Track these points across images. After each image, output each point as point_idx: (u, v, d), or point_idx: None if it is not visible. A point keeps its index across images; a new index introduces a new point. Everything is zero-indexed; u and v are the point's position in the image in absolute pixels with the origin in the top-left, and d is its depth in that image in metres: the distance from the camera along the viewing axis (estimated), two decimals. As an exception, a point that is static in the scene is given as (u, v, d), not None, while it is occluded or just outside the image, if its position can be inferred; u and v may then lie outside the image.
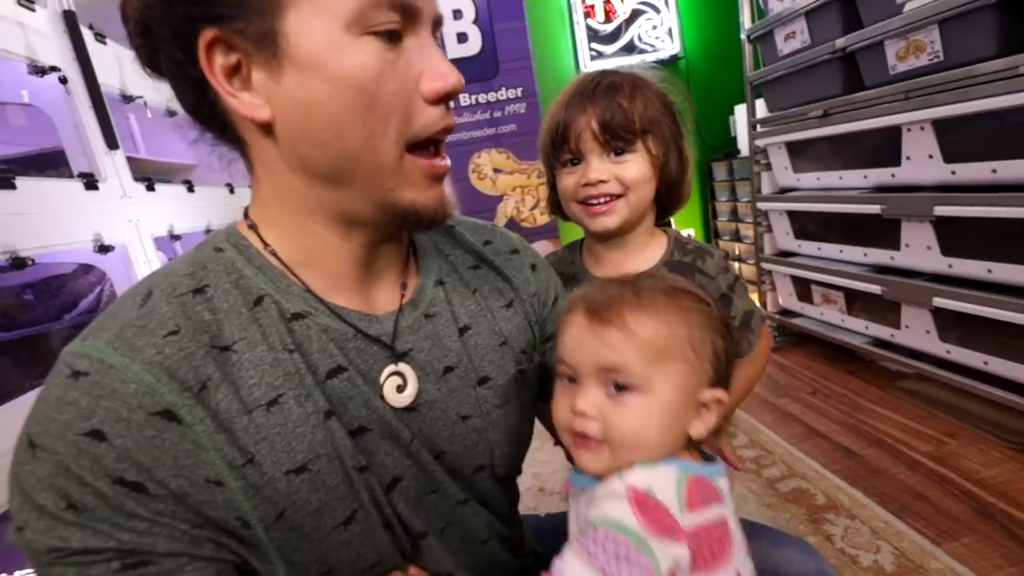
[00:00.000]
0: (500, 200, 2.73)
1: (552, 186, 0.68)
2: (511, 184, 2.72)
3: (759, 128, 2.11)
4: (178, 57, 0.36)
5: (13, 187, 1.03)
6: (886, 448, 1.44)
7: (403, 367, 0.43)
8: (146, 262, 1.48)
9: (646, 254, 0.66)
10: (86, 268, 1.56)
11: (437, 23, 0.39)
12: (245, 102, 0.36)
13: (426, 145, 0.39)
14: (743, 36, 2.07)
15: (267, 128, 0.37)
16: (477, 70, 2.58)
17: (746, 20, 2.06)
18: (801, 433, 1.58)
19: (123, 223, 1.40)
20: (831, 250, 1.88)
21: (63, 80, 1.24)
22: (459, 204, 2.76)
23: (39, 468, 0.32)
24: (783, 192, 2.07)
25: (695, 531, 0.36)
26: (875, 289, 1.65)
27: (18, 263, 1.02)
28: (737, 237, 2.91)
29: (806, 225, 2.00)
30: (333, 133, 0.36)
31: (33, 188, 1.08)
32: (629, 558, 0.34)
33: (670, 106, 0.64)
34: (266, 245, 0.41)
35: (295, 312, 0.40)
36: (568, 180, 0.64)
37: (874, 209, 1.59)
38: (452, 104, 0.40)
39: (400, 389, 0.43)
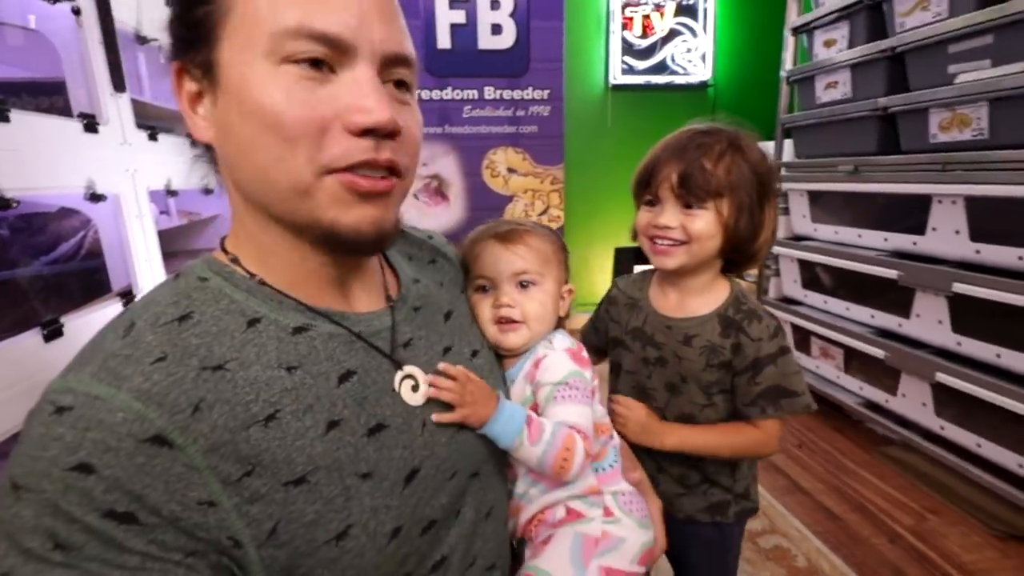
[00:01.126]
0: (510, 200, 2.67)
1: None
2: (523, 186, 2.66)
3: (783, 172, 2.08)
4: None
5: (7, 120, 0.94)
6: (868, 515, 1.44)
7: (410, 369, 0.46)
8: (138, 215, 1.39)
9: (702, 300, 0.71)
10: (69, 211, 1.46)
11: (395, 61, 0.40)
12: (197, 124, 0.40)
13: (355, 168, 0.38)
14: (783, 75, 2.04)
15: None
16: (506, 65, 2.51)
17: (788, 60, 2.03)
18: (785, 487, 1.57)
19: (119, 172, 1.30)
20: (837, 305, 1.87)
21: (76, 11, 1.14)
22: (468, 199, 2.71)
23: (24, 510, 0.31)
24: (797, 239, 2.05)
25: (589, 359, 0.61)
26: (878, 352, 1.64)
27: (1, 204, 0.93)
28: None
29: (815, 276, 1.99)
30: (245, 155, 0.38)
31: (27, 123, 0.99)
32: (585, 387, 0.57)
33: (762, 175, 0.67)
34: (252, 275, 0.42)
35: (297, 326, 0.41)
36: (644, 217, 0.71)
37: (891, 274, 1.58)
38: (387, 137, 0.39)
39: (415, 389, 0.46)
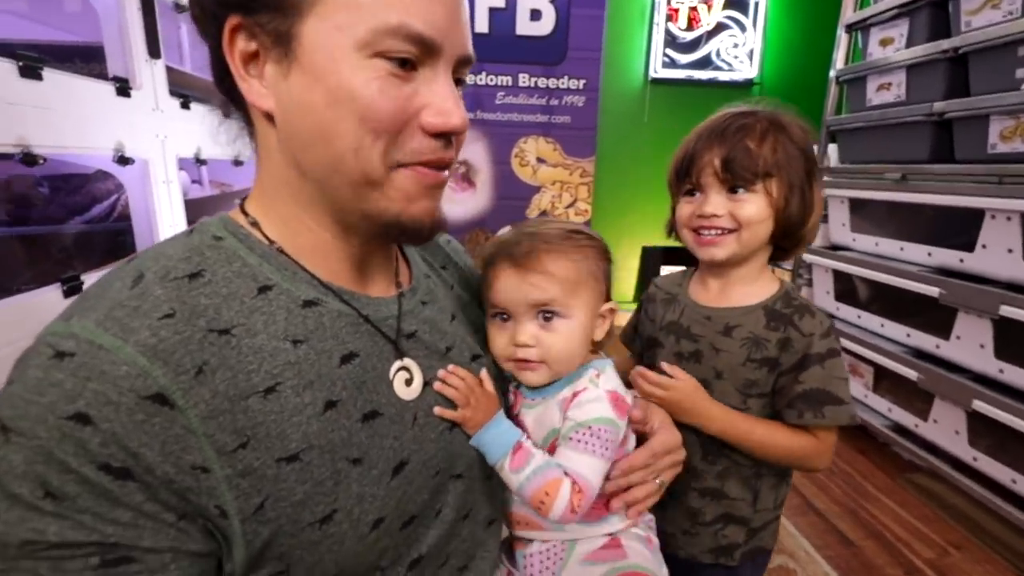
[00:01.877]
0: (537, 191, 2.63)
1: (672, 210, 0.71)
2: (552, 177, 2.62)
3: (825, 177, 1.98)
4: (210, 30, 0.39)
5: (39, 78, 0.96)
6: (885, 544, 1.36)
7: (408, 362, 0.45)
8: (165, 181, 1.42)
9: (748, 290, 0.67)
10: (105, 174, 1.50)
11: (464, 62, 0.41)
12: (253, 88, 0.39)
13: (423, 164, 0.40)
14: (832, 75, 1.93)
15: (270, 118, 0.40)
16: (543, 52, 2.46)
17: (840, 59, 1.91)
18: (797, 506, 1.50)
19: (149, 137, 1.33)
20: (872, 321, 1.77)
21: (114, -25, 1.16)
22: (495, 187, 2.69)
23: (13, 454, 0.30)
24: (834, 248, 1.95)
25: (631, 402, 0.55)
26: (911, 374, 1.54)
27: (29, 159, 0.95)
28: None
29: (850, 289, 1.89)
30: (323, 139, 0.38)
31: (60, 83, 1.01)
32: (611, 439, 0.50)
33: (808, 152, 0.64)
34: (271, 241, 0.42)
35: (307, 299, 0.41)
36: (685, 209, 0.66)
37: (932, 291, 1.48)
38: (452, 140, 0.41)
39: (408, 383, 0.45)
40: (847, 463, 1.72)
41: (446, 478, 0.47)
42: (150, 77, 1.32)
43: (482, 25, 2.44)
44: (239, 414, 0.35)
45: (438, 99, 0.38)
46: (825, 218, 1.97)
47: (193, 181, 1.97)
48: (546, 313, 0.51)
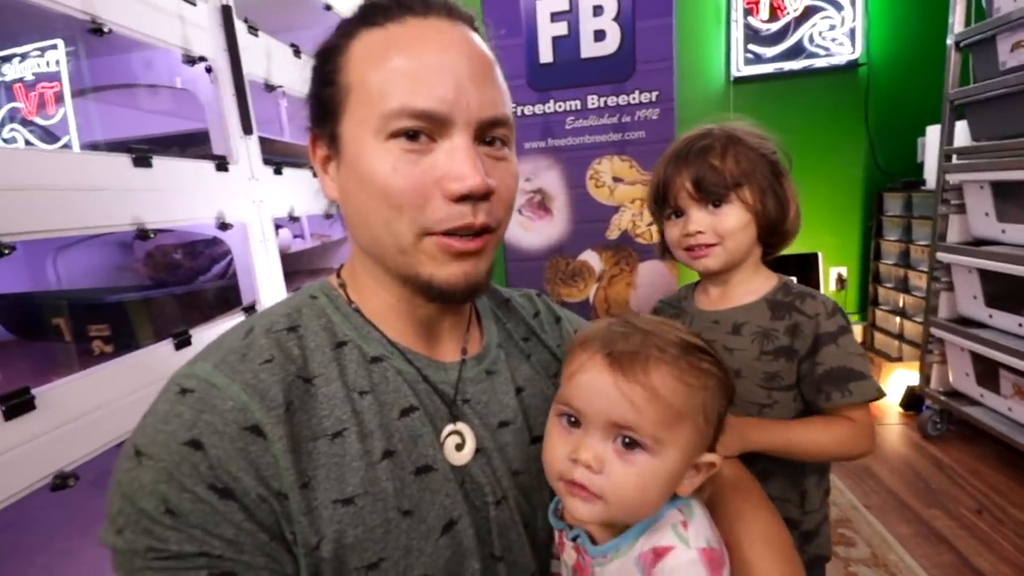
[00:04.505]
0: (616, 211, 2.54)
1: (662, 233, 0.76)
2: (630, 196, 2.51)
3: (955, 159, 1.66)
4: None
5: (150, 165, 1.14)
6: (1084, 622, 1.04)
7: (461, 426, 0.46)
8: (263, 240, 1.60)
9: (747, 288, 0.70)
10: (217, 239, 1.74)
11: (489, 125, 0.43)
12: (325, 183, 0.47)
13: (452, 233, 0.42)
14: (950, 42, 1.64)
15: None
16: (610, 71, 2.41)
17: (958, 23, 1.62)
18: (951, 564, 1.22)
19: (247, 203, 1.51)
20: (1039, 330, 1.42)
21: (208, 69, 1.36)
22: (571, 211, 2.66)
23: (143, 474, 0.35)
24: (977, 243, 1.62)
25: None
26: (1103, 396, 1.20)
27: (143, 235, 1.13)
28: (904, 287, 2.38)
29: (1006, 291, 1.54)
30: (362, 218, 0.44)
31: (168, 167, 1.19)
32: None
33: (766, 155, 0.68)
34: (351, 302, 0.47)
35: (374, 356, 0.45)
36: (673, 231, 0.71)
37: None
38: (481, 200, 0.42)
39: (459, 448, 0.46)
40: (1021, 509, 1.37)
41: (487, 555, 0.46)
42: (245, 151, 1.51)
43: (547, 55, 2.46)
44: (309, 453, 0.39)
45: (455, 166, 0.40)
46: (961, 207, 1.65)
47: (296, 236, 2.21)
48: (627, 439, 0.39)
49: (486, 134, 0.43)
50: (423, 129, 0.40)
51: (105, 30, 1.08)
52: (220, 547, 0.35)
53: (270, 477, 0.37)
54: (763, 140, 0.69)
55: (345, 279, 0.49)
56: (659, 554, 0.40)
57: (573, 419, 0.42)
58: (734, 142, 0.67)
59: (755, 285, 0.70)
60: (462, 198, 0.41)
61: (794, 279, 0.71)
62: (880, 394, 0.63)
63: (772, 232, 0.68)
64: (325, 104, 0.44)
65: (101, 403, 0.96)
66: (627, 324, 0.43)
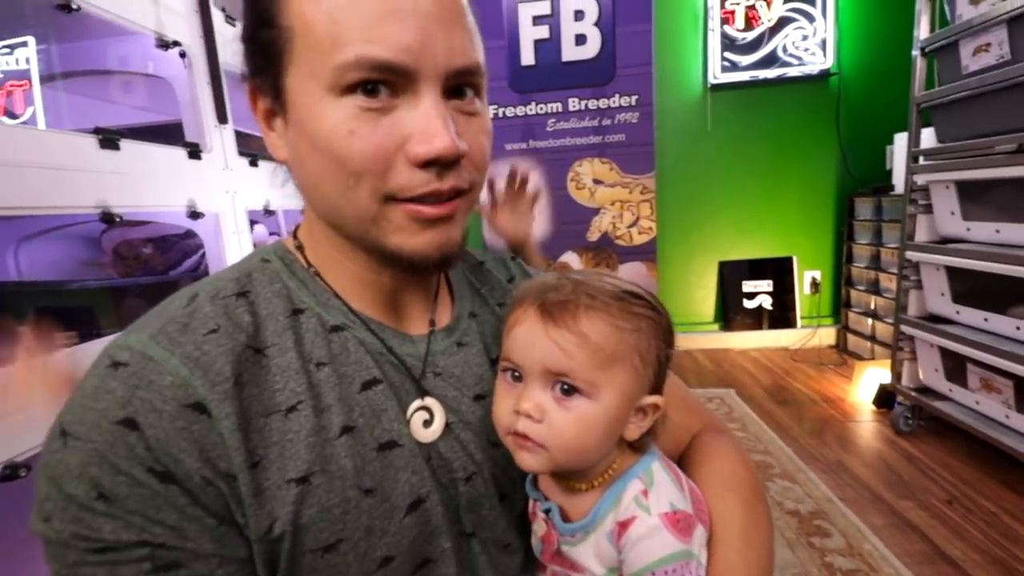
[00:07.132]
0: (596, 213, 2.56)
1: None
2: (611, 197, 2.54)
3: (922, 161, 1.72)
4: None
5: (117, 148, 1.11)
6: (1051, 605, 1.06)
7: (430, 402, 0.43)
8: (236, 232, 1.56)
9: None
10: (191, 233, 1.70)
11: (460, 74, 0.37)
12: (271, 141, 0.41)
13: (418, 200, 0.38)
14: (915, 51, 1.70)
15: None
16: (591, 74, 2.44)
17: (923, 30, 1.69)
18: (923, 553, 1.23)
19: (219, 193, 1.47)
20: (1004, 324, 1.46)
21: (183, 55, 1.33)
22: (554, 213, 2.67)
23: (70, 457, 0.32)
24: (944, 242, 1.67)
25: (695, 503, 0.42)
26: (1064, 386, 1.24)
27: (107, 218, 1.09)
28: (875, 289, 2.45)
29: (971, 287, 1.59)
30: (316, 185, 0.39)
31: (136, 151, 1.15)
32: (693, 571, 0.39)
33: None
34: (310, 265, 0.43)
35: (335, 324, 0.41)
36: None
37: (1079, 280, 1.19)
38: (448, 166, 0.37)
39: (427, 424, 0.42)
40: (989, 499, 1.40)
41: (458, 532, 0.43)
42: (219, 140, 1.48)
43: (528, 58, 2.49)
44: (260, 431, 0.36)
45: (420, 124, 0.36)
46: (928, 208, 1.70)
47: (272, 233, 2.16)
48: (564, 385, 0.39)
49: (455, 85, 0.37)
50: (383, 80, 0.35)
51: (74, 7, 1.06)
52: (162, 534, 0.32)
53: (216, 458, 0.34)
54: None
55: (302, 240, 0.44)
56: (624, 525, 0.40)
57: (516, 374, 0.42)
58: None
59: None
60: (429, 163, 0.36)
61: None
62: None
63: None
64: (264, 50, 0.37)
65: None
66: (561, 277, 0.43)
